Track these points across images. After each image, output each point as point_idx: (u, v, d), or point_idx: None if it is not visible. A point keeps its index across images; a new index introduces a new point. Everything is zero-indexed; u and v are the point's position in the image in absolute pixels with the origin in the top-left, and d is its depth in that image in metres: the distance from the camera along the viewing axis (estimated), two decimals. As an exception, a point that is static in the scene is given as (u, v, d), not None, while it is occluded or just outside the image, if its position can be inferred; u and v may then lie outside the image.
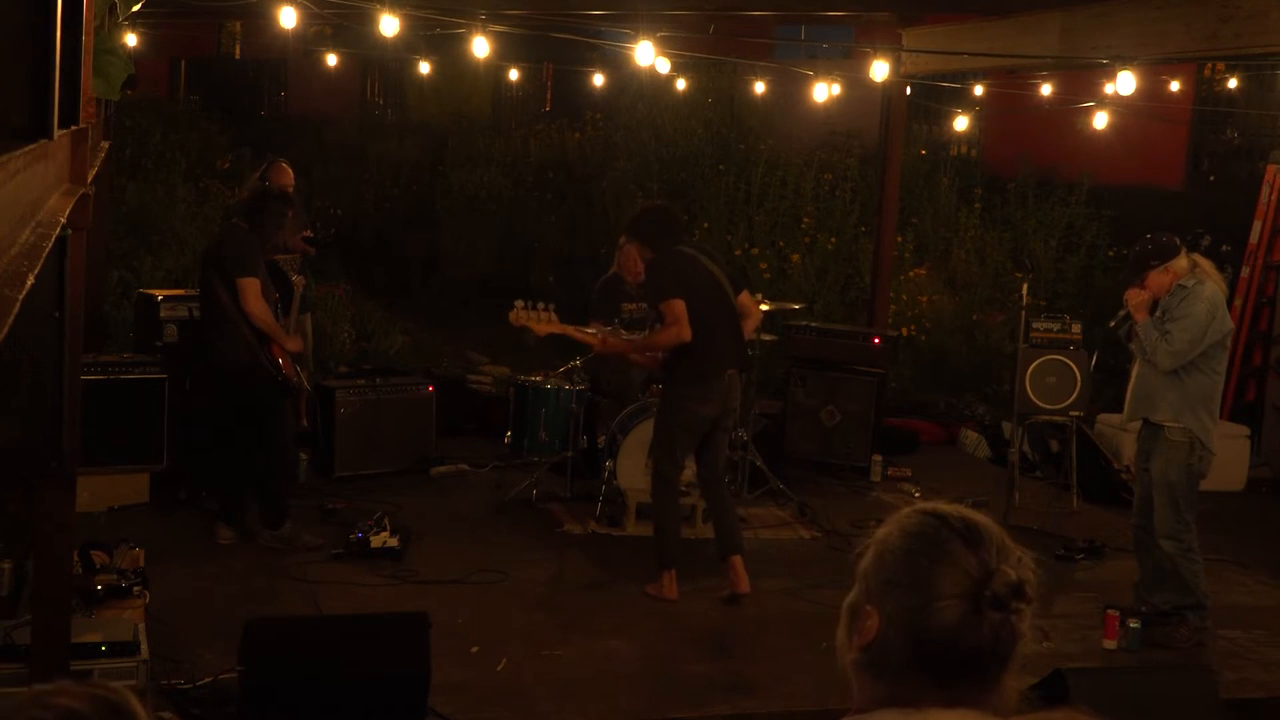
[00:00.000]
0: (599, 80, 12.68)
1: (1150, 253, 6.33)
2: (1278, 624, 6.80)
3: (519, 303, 7.07)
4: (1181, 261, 6.29)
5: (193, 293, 8.18)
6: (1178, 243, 6.37)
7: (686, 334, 6.44)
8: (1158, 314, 6.31)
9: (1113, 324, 6.65)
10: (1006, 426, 9.12)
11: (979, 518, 1.72)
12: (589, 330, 7.18)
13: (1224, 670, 5.88)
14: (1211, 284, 6.27)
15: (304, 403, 8.06)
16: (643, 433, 7.66)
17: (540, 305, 7.09)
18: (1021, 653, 1.68)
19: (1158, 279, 6.30)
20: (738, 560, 6.67)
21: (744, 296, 6.85)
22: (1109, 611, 6.35)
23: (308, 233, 8.73)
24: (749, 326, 6.90)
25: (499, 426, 8.55)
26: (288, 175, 8.63)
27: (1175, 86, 12.16)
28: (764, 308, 7.80)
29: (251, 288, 6.82)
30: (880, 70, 8.66)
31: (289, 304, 7.33)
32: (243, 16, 14.13)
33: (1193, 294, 6.22)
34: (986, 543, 1.67)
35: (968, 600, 1.64)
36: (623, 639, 6.18)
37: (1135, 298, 6.37)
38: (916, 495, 8.59)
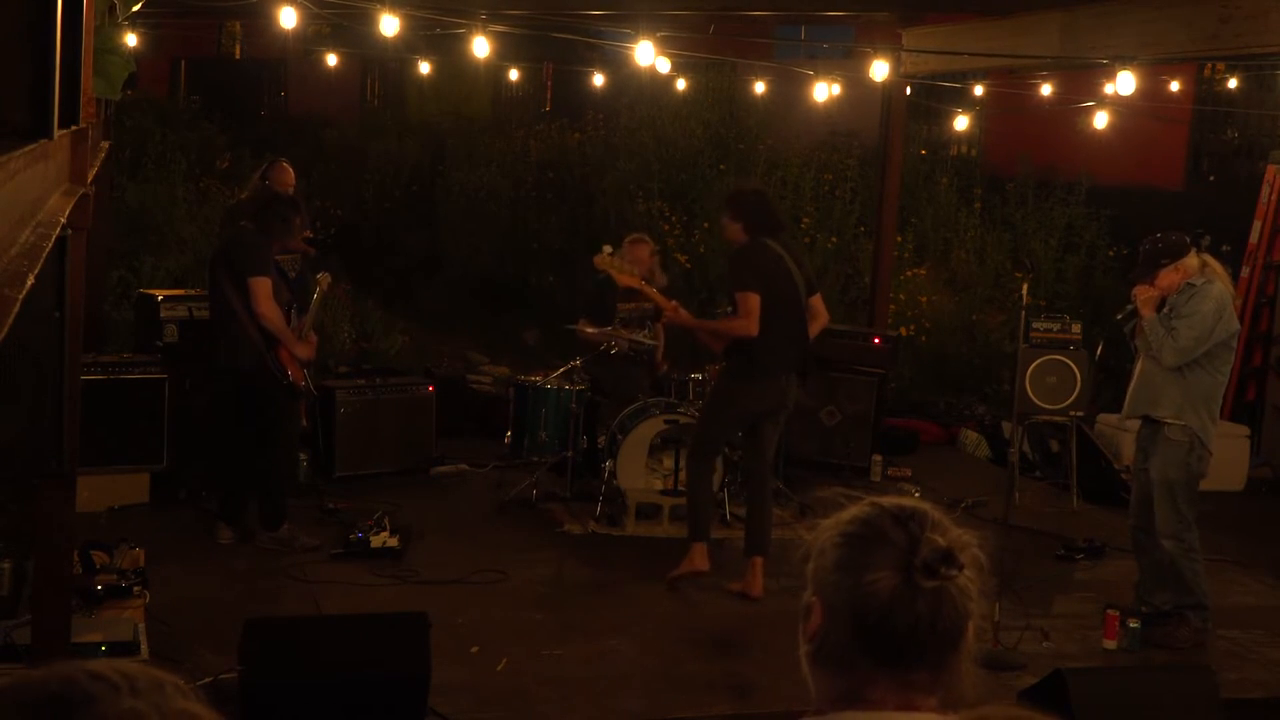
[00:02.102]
0: (599, 80, 12.68)
1: (1161, 251, 6.32)
2: (1278, 624, 6.80)
3: (608, 248, 7.24)
4: (1191, 260, 6.29)
5: (193, 293, 8.20)
6: (1188, 241, 6.37)
7: (754, 328, 6.46)
8: (1165, 310, 6.31)
9: (1119, 316, 6.65)
10: (1006, 426, 9.12)
11: (916, 503, 1.73)
12: (664, 298, 7.26)
13: (1224, 670, 5.87)
14: (1220, 284, 6.28)
15: (304, 403, 8.05)
16: (643, 432, 7.66)
17: (627, 262, 7.31)
18: (973, 637, 1.68)
19: (1168, 277, 6.29)
20: (759, 562, 6.69)
21: (815, 300, 6.84)
22: (1109, 611, 6.35)
23: (308, 233, 8.72)
24: (814, 329, 6.87)
25: (499, 426, 8.55)
26: (289, 175, 8.62)
27: (1175, 86, 12.17)
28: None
29: (263, 288, 6.82)
30: (880, 70, 8.67)
31: (306, 303, 7.31)
32: (243, 16, 14.14)
33: (1201, 292, 6.22)
34: (918, 519, 1.68)
35: (899, 572, 1.64)
36: (623, 639, 6.18)
37: (1144, 293, 6.36)
38: (916, 495, 8.59)
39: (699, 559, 6.78)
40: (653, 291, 7.24)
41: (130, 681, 1.14)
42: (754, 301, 6.44)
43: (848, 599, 1.67)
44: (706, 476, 6.91)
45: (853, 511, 1.74)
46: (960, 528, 1.70)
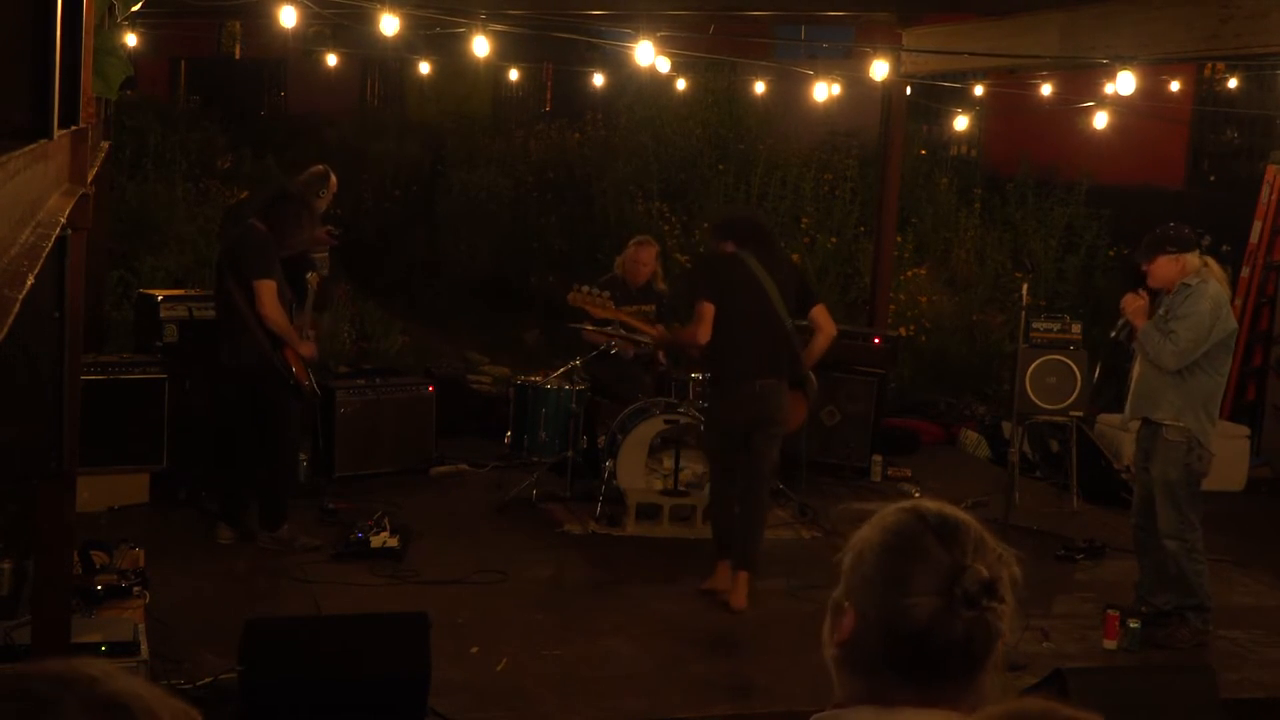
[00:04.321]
0: (599, 80, 12.68)
1: (1170, 238, 6.29)
2: (1278, 624, 6.80)
3: (581, 286, 7.49)
4: (1194, 258, 6.28)
5: (193, 293, 8.22)
6: (1196, 238, 6.35)
7: (702, 335, 6.54)
8: (1160, 312, 6.30)
9: (1113, 334, 6.65)
10: (1006, 426, 9.11)
11: (958, 515, 1.72)
12: (645, 324, 7.55)
13: (1224, 670, 5.86)
14: (1215, 284, 6.26)
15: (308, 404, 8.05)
16: (643, 433, 7.66)
17: (598, 291, 7.48)
18: (1001, 651, 1.68)
19: (1167, 266, 6.26)
20: (743, 577, 6.60)
21: (815, 311, 6.80)
22: (1109, 611, 6.35)
23: (329, 228, 8.87)
24: (819, 342, 6.80)
25: (499, 426, 8.55)
26: (333, 185, 8.89)
27: (1175, 86, 12.16)
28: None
29: (267, 290, 6.82)
30: (880, 70, 8.66)
31: (303, 300, 7.32)
32: (243, 16, 14.13)
33: (1196, 292, 6.21)
34: (962, 540, 1.67)
35: (939, 597, 1.64)
36: (623, 639, 6.18)
37: (1131, 304, 6.36)
38: (916, 495, 8.58)
39: (719, 578, 6.72)
40: (631, 319, 7.59)
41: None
42: (703, 309, 6.53)
43: (884, 614, 1.67)
44: (719, 496, 6.83)
45: (895, 518, 1.72)
46: (999, 543, 1.69)
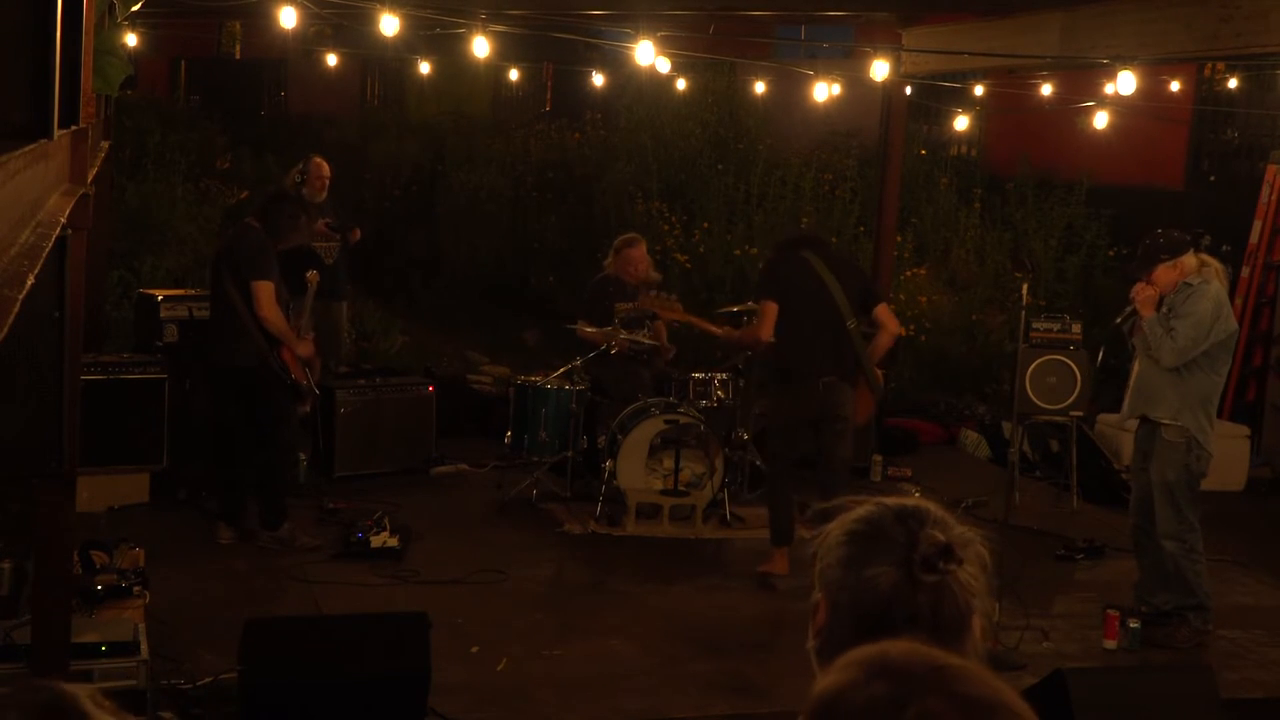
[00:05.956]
0: (599, 80, 12.68)
1: (1161, 247, 6.31)
2: (1278, 624, 6.80)
3: (650, 291, 7.90)
4: (1190, 259, 6.28)
5: (193, 292, 8.21)
6: (1188, 240, 6.36)
7: (764, 333, 6.80)
8: (1163, 310, 6.30)
9: (1119, 320, 6.64)
10: (1006, 426, 9.11)
11: (921, 502, 1.75)
12: (711, 324, 7.84)
13: (1224, 670, 5.86)
14: (1217, 283, 6.27)
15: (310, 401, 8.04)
16: (643, 433, 7.66)
17: (666, 295, 7.91)
18: (979, 629, 1.69)
19: (1166, 274, 6.28)
20: None
21: (879, 310, 7.02)
22: (1109, 611, 6.35)
23: (327, 220, 8.90)
24: (882, 340, 6.99)
25: (499, 426, 8.55)
26: (325, 168, 9.11)
27: (1175, 86, 12.16)
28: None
29: (265, 291, 6.81)
30: (880, 70, 8.66)
31: (302, 301, 7.31)
32: (243, 16, 14.14)
33: (1198, 292, 6.21)
34: (919, 516, 1.71)
35: (899, 567, 1.66)
36: (623, 639, 6.18)
37: (1142, 293, 6.35)
38: (916, 495, 8.56)
39: (777, 562, 6.95)
40: (698, 320, 7.76)
41: None
42: (767, 308, 6.79)
43: (850, 595, 1.70)
44: (777, 485, 7.06)
45: (859, 511, 1.76)
46: (963, 524, 1.71)
